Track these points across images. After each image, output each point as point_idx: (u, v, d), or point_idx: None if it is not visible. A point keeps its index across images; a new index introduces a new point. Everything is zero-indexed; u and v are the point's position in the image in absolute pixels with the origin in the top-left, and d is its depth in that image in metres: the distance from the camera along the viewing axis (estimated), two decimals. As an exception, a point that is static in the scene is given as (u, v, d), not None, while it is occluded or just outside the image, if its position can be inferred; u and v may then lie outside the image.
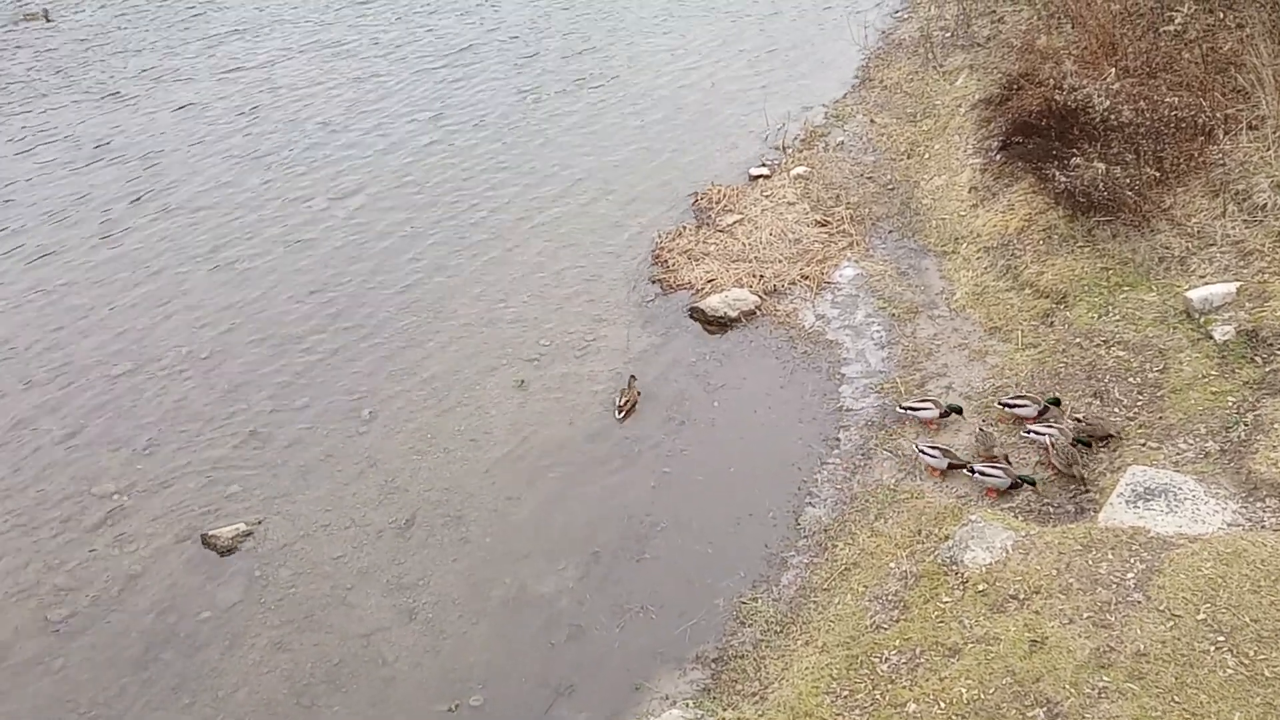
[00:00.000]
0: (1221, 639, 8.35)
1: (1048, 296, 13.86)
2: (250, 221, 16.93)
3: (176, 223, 17.00)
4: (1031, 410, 12.12)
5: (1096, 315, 13.34)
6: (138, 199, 17.52)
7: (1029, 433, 11.91)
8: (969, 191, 16.04)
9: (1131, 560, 9.29)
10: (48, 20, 20.18)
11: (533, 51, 21.03)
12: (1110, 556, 9.37)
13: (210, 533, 11.88)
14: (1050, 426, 11.74)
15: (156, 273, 15.98)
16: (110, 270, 16.06)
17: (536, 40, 21.40)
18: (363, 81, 20.40)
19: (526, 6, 22.55)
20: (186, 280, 15.83)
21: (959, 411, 12.37)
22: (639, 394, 13.64)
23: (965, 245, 15.33)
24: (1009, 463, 11.67)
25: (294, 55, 21.38)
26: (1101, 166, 14.14)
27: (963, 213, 15.84)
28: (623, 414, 13.52)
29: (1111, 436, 11.63)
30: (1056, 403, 12.17)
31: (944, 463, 11.77)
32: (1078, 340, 13.13)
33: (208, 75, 19.74)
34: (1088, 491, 11.16)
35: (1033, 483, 11.38)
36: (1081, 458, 11.39)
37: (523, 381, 13.98)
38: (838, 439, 12.75)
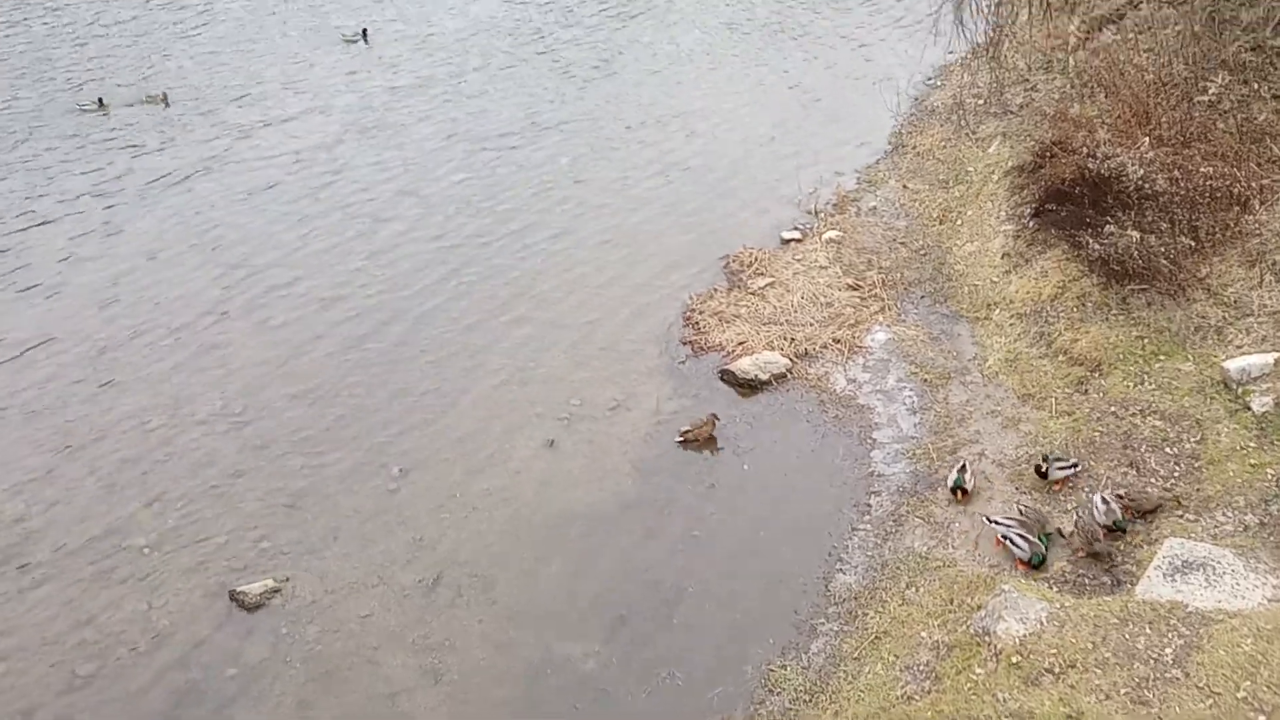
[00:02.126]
0: (1263, 718, 8.14)
1: (1082, 364, 13.76)
2: (286, 279, 17.13)
3: (218, 279, 17.22)
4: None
5: (1132, 384, 13.23)
6: (192, 259, 17.78)
7: (993, 521, 11.66)
8: (1002, 257, 16.02)
9: (1170, 635, 9.11)
10: (166, 104, 21.82)
11: (564, 117, 21.30)
12: (1148, 630, 9.19)
13: (238, 589, 11.88)
14: (1019, 519, 11.61)
15: (195, 325, 16.16)
16: (150, 323, 16.26)
17: (569, 104, 21.68)
18: (402, 148, 20.71)
19: (559, 77, 22.89)
20: (223, 336, 16.00)
21: (1043, 560, 11.46)
22: (712, 433, 13.65)
23: (998, 311, 15.27)
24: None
25: (331, 118, 21.78)
26: (1136, 235, 14.10)
27: (995, 279, 15.81)
28: (683, 437, 13.62)
29: (1160, 508, 11.46)
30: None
31: (1029, 553, 11.33)
32: (1113, 409, 13.01)
33: (271, 154, 20.33)
34: (1115, 567, 11.00)
35: (1040, 563, 11.21)
36: (1122, 532, 11.24)
37: (552, 441, 13.97)
38: (869, 504, 12.64)
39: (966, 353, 14.94)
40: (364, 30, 24.58)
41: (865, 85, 21.62)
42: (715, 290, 16.54)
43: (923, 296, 16.11)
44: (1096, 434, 12.85)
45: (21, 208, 18.90)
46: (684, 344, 15.61)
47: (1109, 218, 14.49)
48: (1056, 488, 12.42)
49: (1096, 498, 11.56)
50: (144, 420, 14.53)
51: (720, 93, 21.68)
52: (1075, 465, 12.42)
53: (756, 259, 17.07)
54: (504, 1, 25.60)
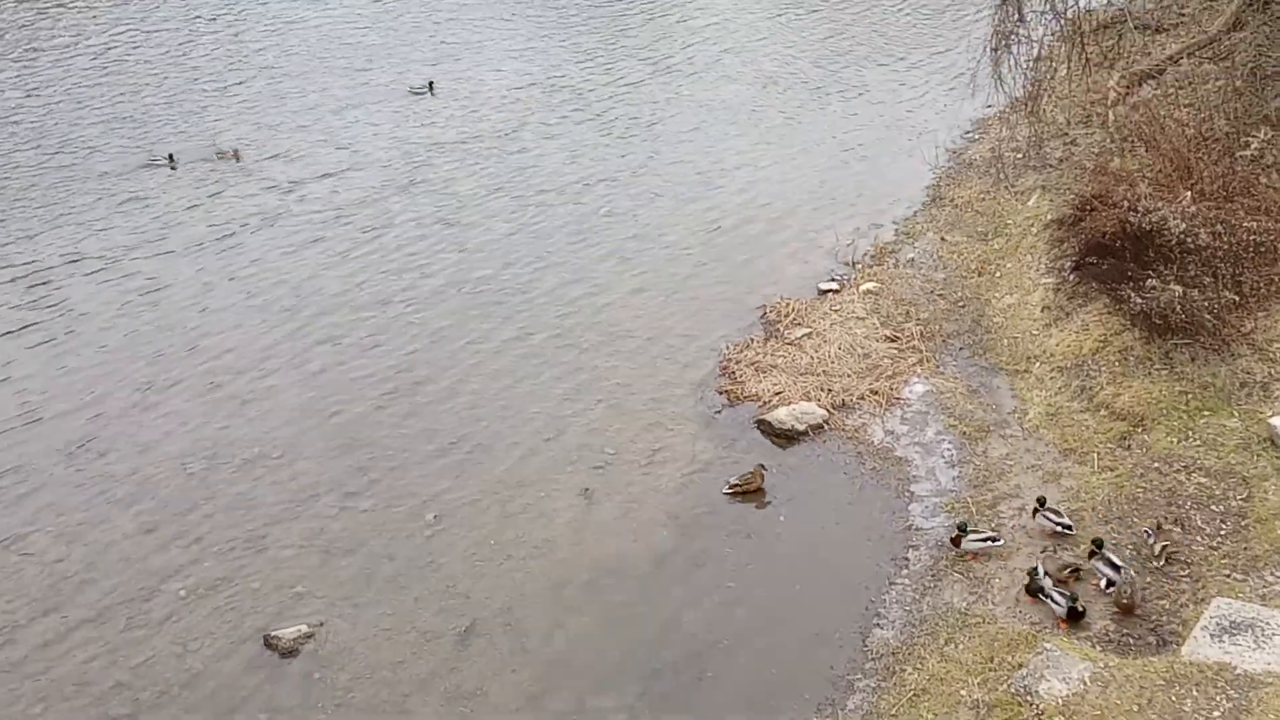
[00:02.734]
0: (1317, 787, 7.90)
1: (1124, 419, 13.59)
2: (326, 325, 17.30)
3: (261, 328, 17.42)
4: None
5: (1176, 440, 13.05)
6: (237, 309, 18.01)
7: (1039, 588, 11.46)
8: (1041, 311, 15.91)
9: (1217, 698, 8.89)
10: (238, 160, 22.06)
11: (605, 172, 21.47)
12: (1195, 693, 8.98)
13: (272, 633, 11.89)
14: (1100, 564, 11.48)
15: (238, 372, 16.34)
16: (193, 369, 16.45)
17: (609, 159, 21.87)
18: (447, 201, 20.94)
19: (599, 132, 23.12)
20: (264, 383, 16.14)
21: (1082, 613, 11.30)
22: (761, 483, 13.60)
23: (1038, 365, 15.14)
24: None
25: (385, 169, 22.08)
26: (1178, 289, 13.97)
27: (1035, 332, 15.70)
28: (731, 490, 13.55)
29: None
30: (1100, 545, 11.74)
31: (1065, 609, 11.19)
32: (1156, 465, 12.82)
33: (326, 206, 20.58)
34: (1159, 626, 10.79)
35: (1080, 615, 11.03)
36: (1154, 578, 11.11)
37: (588, 490, 13.94)
38: (906, 558, 12.49)
39: (1006, 406, 14.80)
40: (430, 83, 24.76)
41: (903, 138, 21.68)
42: (752, 340, 16.53)
43: (961, 349, 16.01)
44: (1140, 490, 12.65)
45: (75, 254, 19.21)
46: (720, 393, 15.57)
47: (1151, 272, 14.38)
48: (970, 559, 12.23)
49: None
50: (185, 464, 14.65)
51: (759, 146, 21.81)
52: (994, 539, 12.25)
53: (794, 309, 17.06)
54: (545, 58, 25.93)
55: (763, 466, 13.85)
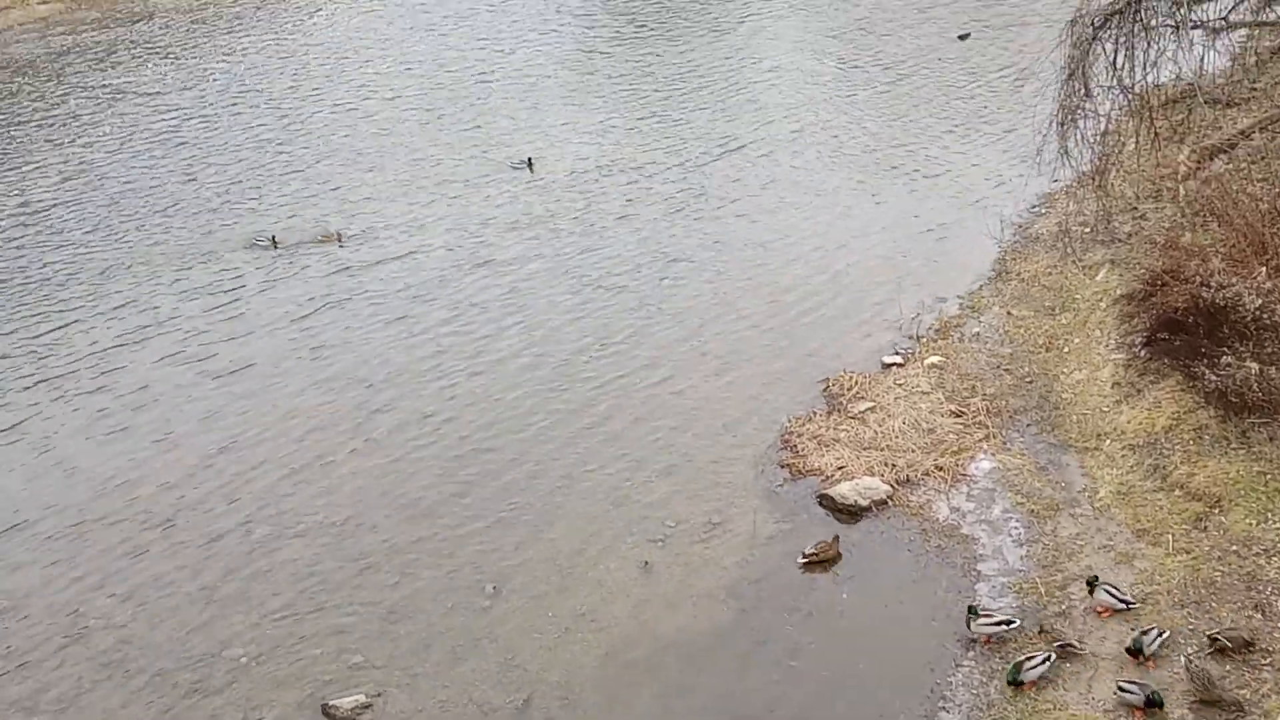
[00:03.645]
0: None
1: (1200, 499, 13.21)
2: (390, 396, 17.50)
3: (327, 399, 17.68)
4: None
5: (1255, 522, 12.64)
6: (305, 382, 18.33)
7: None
8: (1112, 387, 15.59)
9: (1304, 796, 8.47)
10: (340, 243, 22.22)
11: (670, 248, 21.62)
12: (1279, 790, 8.57)
13: (331, 702, 11.88)
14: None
15: (301, 443, 16.56)
16: (259, 438, 16.71)
17: (676, 237, 22.03)
18: (497, 266, 21.20)
19: (663, 209, 23.33)
20: (329, 452, 16.33)
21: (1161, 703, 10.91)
22: (836, 554, 13.48)
23: (1108, 442, 14.80)
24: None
25: (472, 246, 22.44)
26: (1255, 366, 13.64)
27: (1105, 408, 15.38)
28: (805, 560, 13.43)
29: (1251, 644, 10.90)
30: (1138, 650, 11.33)
31: (1141, 698, 10.86)
32: (1234, 548, 12.42)
33: (407, 284, 20.72)
34: (1242, 716, 10.35)
35: (1159, 704, 10.62)
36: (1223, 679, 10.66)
37: (647, 563, 13.84)
38: (974, 640, 12.16)
39: (1075, 484, 14.46)
40: (529, 159, 24.77)
41: (968, 213, 21.57)
42: (814, 413, 16.39)
43: (1028, 425, 15.72)
44: (1217, 574, 12.25)
45: (160, 330, 19.62)
46: (782, 467, 15.43)
47: (1225, 348, 14.06)
48: (985, 643, 11.86)
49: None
50: (249, 531, 14.83)
51: (824, 221, 21.84)
52: (1010, 623, 11.91)
53: (857, 383, 16.91)
54: (618, 138, 26.25)
55: (837, 538, 13.67)
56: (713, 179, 23.57)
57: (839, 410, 16.41)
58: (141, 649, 12.98)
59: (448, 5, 35.98)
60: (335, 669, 12.49)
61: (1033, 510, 14.05)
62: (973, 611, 12.15)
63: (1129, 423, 14.82)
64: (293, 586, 13.86)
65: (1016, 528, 13.85)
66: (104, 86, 31.21)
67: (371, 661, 12.61)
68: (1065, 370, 16.61)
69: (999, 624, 11.98)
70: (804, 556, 13.60)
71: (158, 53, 33.40)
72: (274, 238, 22.32)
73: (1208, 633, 11.33)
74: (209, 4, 37.44)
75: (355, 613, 13.38)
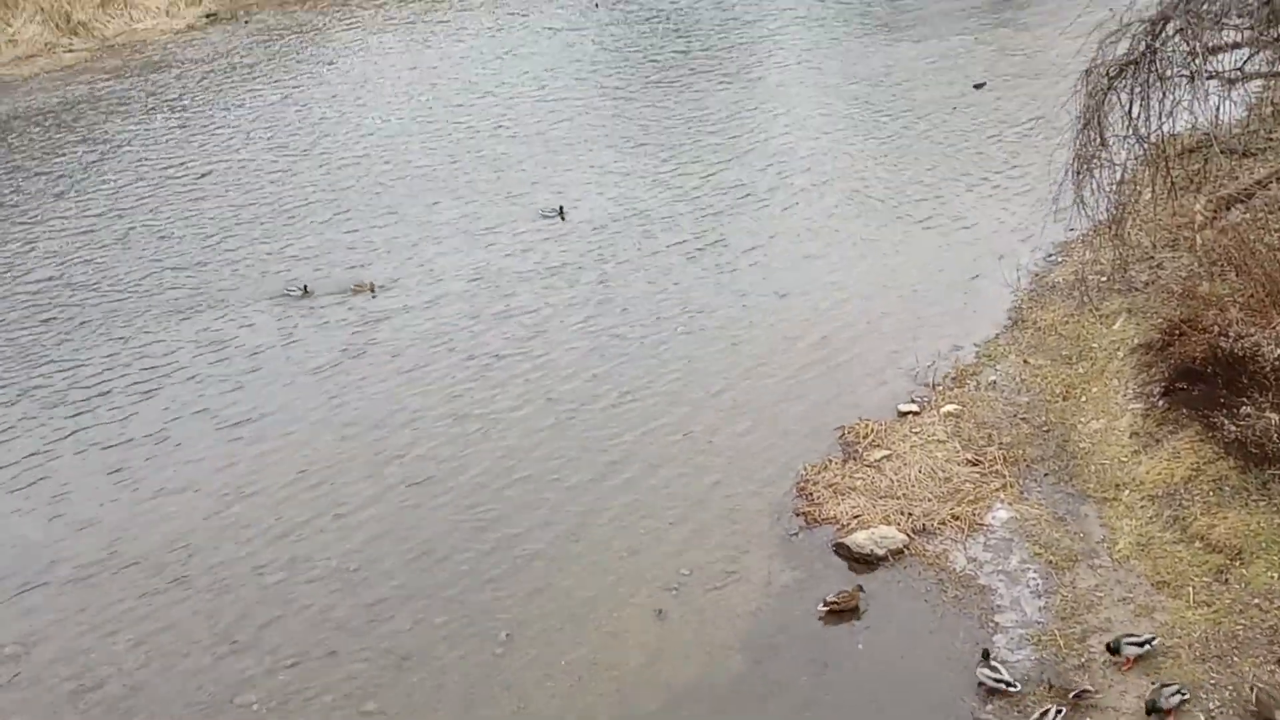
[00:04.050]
0: None
1: (1220, 552, 13.07)
2: (405, 442, 17.52)
3: (342, 440, 17.73)
4: None
5: (1277, 575, 12.49)
6: (317, 427, 18.40)
7: None
8: (1130, 437, 15.49)
9: None
10: (373, 293, 22.00)
11: (685, 298, 21.68)
12: None
13: (342, 750, 11.80)
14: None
15: (314, 485, 16.58)
16: (275, 481, 16.74)
17: (689, 280, 22.10)
18: (515, 315, 21.27)
19: (679, 257, 23.41)
20: (343, 496, 16.34)
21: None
22: (859, 603, 13.39)
23: (1127, 492, 14.68)
24: None
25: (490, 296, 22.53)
26: (1275, 417, 13.55)
27: (1124, 458, 15.26)
28: (826, 608, 13.34)
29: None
30: (1155, 707, 11.20)
31: None
32: (1256, 601, 12.27)
33: (431, 335, 20.53)
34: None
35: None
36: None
37: (661, 611, 13.75)
38: (982, 685, 12.01)
39: (1094, 535, 14.33)
40: (560, 208, 24.63)
41: (984, 260, 21.57)
42: (830, 461, 16.33)
43: (1046, 474, 15.61)
44: (1239, 627, 12.10)
45: (176, 379, 19.69)
46: (797, 515, 15.35)
47: (1245, 399, 13.98)
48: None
49: None
50: (262, 576, 14.82)
51: (839, 267, 21.87)
52: (1011, 686, 11.92)
53: (872, 430, 16.85)
54: (628, 187, 26.42)
55: (860, 588, 13.59)
56: (731, 227, 23.65)
57: (855, 458, 16.35)
58: (152, 696, 12.94)
59: (461, 54, 36.33)
60: (348, 715, 12.42)
61: (1051, 561, 13.92)
62: (986, 656, 12.10)
63: (1148, 473, 14.71)
64: (305, 632, 13.82)
65: (1034, 578, 13.72)
66: (125, 135, 31.63)
67: (384, 708, 12.53)
68: (1083, 419, 16.52)
69: (999, 682, 11.94)
70: (824, 605, 13.50)
71: (177, 102, 33.79)
72: (306, 287, 22.10)
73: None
74: (221, 55, 37.93)
75: (368, 659, 13.33)
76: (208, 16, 41.82)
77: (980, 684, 12.07)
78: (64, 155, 30.32)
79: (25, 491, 16.94)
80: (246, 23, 41.18)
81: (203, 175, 28.38)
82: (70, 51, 38.92)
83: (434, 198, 26.10)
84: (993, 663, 12.12)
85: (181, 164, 29.13)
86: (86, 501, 16.60)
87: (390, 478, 16.69)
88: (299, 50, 37.87)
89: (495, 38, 37.84)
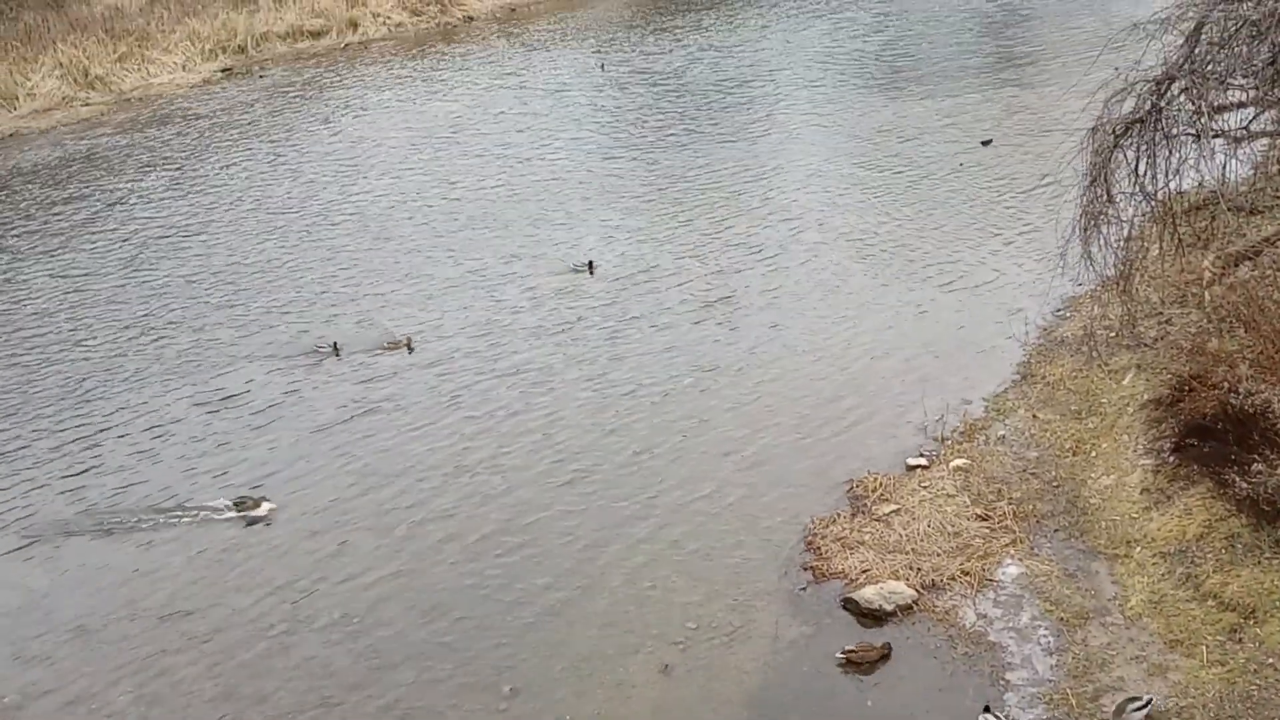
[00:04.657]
0: None
1: (1234, 610, 12.90)
2: (412, 493, 17.45)
3: (345, 491, 17.69)
4: None
5: (1291, 633, 12.32)
6: (326, 475, 18.38)
7: None
8: (1141, 493, 15.37)
9: None
10: (410, 349, 21.60)
11: (698, 343, 21.72)
12: None
13: (342, 806, 11.62)
14: None
15: (316, 535, 16.52)
16: (280, 533, 16.68)
17: (703, 330, 22.15)
18: (524, 370, 21.32)
19: (684, 316, 23.49)
20: (346, 546, 16.27)
21: None
22: (884, 653, 13.31)
23: (1139, 549, 14.54)
24: None
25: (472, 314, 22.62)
26: (1287, 474, 13.43)
27: (1135, 515, 15.14)
28: (844, 656, 13.32)
29: None
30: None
31: None
32: (1271, 661, 12.09)
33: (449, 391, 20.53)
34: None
35: None
36: None
37: (667, 666, 13.59)
38: (1000, 753, 11.83)
39: (1105, 591, 14.18)
40: (590, 262, 24.46)
41: (992, 315, 21.59)
42: (838, 515, 16.22)
43: (1056, 530, 15.48)
44: (1254, 688, 11.91)
45: (181, 437, 19.75)
46: (805, 569, 15.22)
47: (1256, 455, 13.87)
48: None
49: None
50: (265, 628, 14.70)
51: (846, 321, 21.89)
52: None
53: (881, 484, 16.76)
54: (637, 245, 26.59)
55: (889, 645, 13.51)
56: (738, 283, 23.69)
57: (863, 512, 16.24)
58: (152, 747, 12.81)
59: (466, 111, 36.65)
60: (348, 771, 12.25)
61: (1062, 618, 13.76)
62: (987, 710, 12.08)
63: (1159, 529, 14.57)
64: (307, 685, 13.68)
65: (1045, 636, 13.55)
66: (148, 188, 31.99)
67: (385, 764, 12.37)
68: (1093, 475, 16.41)
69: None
70: (843, 654, 13.39)
71: (186, 158, 34.21)
72: (335, 344, 21.76)
73: None
74: (235, 110, 38.40)
75: (369, 713, 13.18)
76: (223, 71, 42.44)
77: None
78: (81, 206, 30.65)
79: (27, 544, 16.88)
80: (261, 77, 41.76)
81: (199, 231, 28.62)
82: (87, 105, 39.48)
83: (442, 254, 26.18)
84: (991, 716, 11.97)
85: (182, 219, 29.39)
86: (91, 552, 16.54)
87: (396, 530, 16.62)
88: (309, 107, 38.32)
89: (499, 94, 38.25)
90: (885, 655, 13.40)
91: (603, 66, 39.81)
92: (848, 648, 13.45)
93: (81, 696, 13.69)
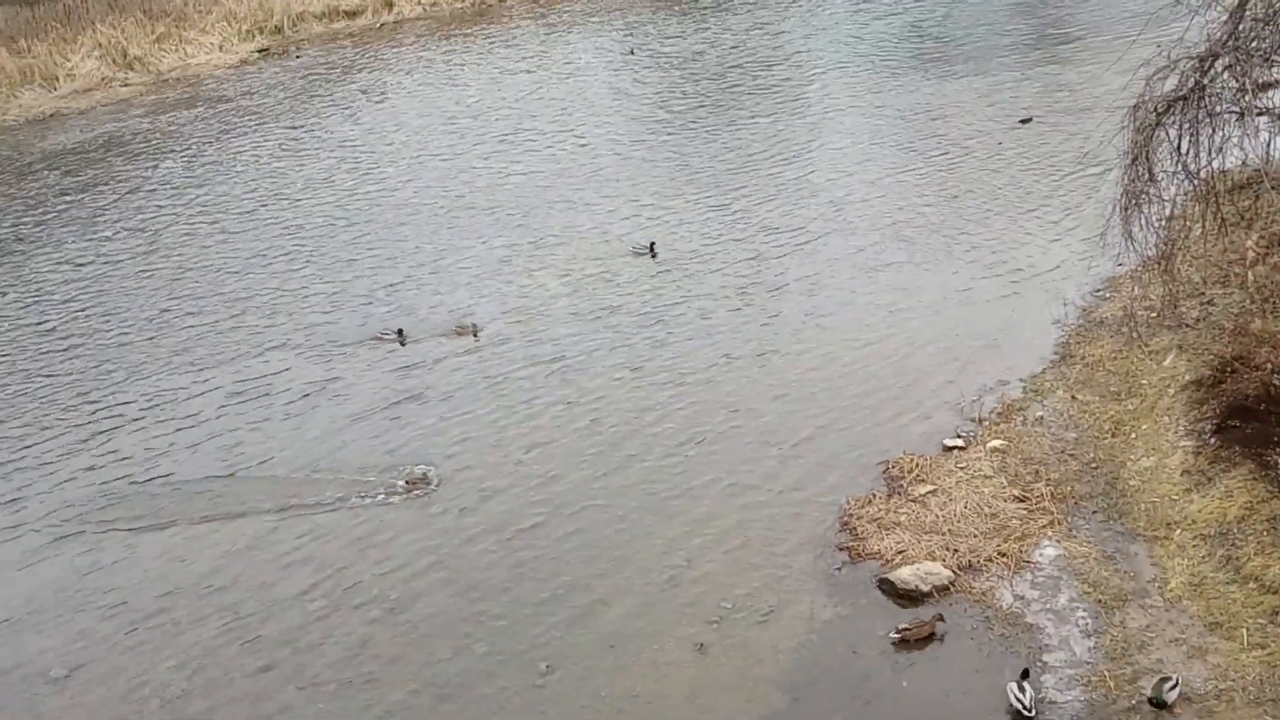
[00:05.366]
0: None
1: (1275, 592, 12.78)
2: (449, 471, 17.57)
3: (383, 471, 17.83)
4: None
5: (1334, 617, 12.19)
6: (367, 450, 18.55)
7: None
8: (1181, 475, 15.22)
9: None
10: (475, 336, 21.66)
11: (732, 324, 21.69)
12: None
13: (381, 779, 11.78)
14: None
15: (355, 512, 16.69)
16: (313, 511, 16.86)
17: (737, 310, 22.10)
18: (564, 354, 21.34)
19: (718, 294, 23.44)
20: (386, 524, 16.42)
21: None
22: (936, 629, 13.32)
23: (1179, 531, 14.41)
24: None
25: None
26: (1330, 456, 13.27)
27: (1175, 496, 15.00)
28: (898, 635, 13.32)
29: None
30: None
31: None
32: (1313, 644, 11.96)
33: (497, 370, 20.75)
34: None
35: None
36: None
37: (702, 645, 13.65)
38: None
39: (1144, 574, 14.07)
40: (651, 244, 24.38)
41: (1031, 295, 21.39)
42: (874, 496, 16.18)
43: (1094, 512, 15.37)
44: (1295, 671, 11.79)
45: (216, 422, 20.06)
46: (840, 550, 15.21)
47: (1299, 437, 13.72)
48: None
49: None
50: (306, 603, 14.90)
51: (883, 302, 21.77)
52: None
53: (918, 465, 16.69)
54: (674, 226, 26.50)
55: (939, 616, 13.50)
56: (776, 262, 23.60)
57: (899, 493, 16.19)
58: None
59: (501, 91, 36.60)
60: (387, 745, 12.42)
61: (1100, 600, 13.68)
62: (1025, 675, 12.22)
63: (1200, 511, 14.43)
64: (346, 660, 13.86)
65: (1083, 617, 13.48)
66: (195, 172, 32.27)
67: (423, 739, 12.52)
68: (1133, 457, 16.26)
69: (1018, 704, 12.00)
70: (896, 632, 13.42)
71: (222, 137, 34.45)
72: (401, 331, 21.74)
73: None
74: (271, 90, 38.57)
75: (408, 688, 13.33)
76: (260, 52, 42.64)
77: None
78: (124, 185, 30.98)
79: (71, 518, 17.19)
80: (297, 57, 41.92)
81: (253, 210, 28.85)
82: (126, 85, 39.83)
83: (478, 236, 26.13)
84: (1024, 683, 12.09)
85: (231, 202, 29.63)
86: (134, 530, 16.80)
87: (433, 508, 16.75)
88: (344, 89, 38.41)
89: (530, 76, 38.16)
90: (933, 634, 13.40)
91: (632, 51, 39.46)
92: (901, 626, 13.45)
93: (124, 669, 13.93)
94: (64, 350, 22.60)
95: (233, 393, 20.39)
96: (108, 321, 23.59)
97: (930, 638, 13.35)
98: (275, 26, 44.21)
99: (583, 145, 31.34)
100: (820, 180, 27.61)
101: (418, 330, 21.99)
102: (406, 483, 17.17)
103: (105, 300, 24.57)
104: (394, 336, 21.61)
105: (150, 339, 22.64)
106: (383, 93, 37.52)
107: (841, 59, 36.80)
